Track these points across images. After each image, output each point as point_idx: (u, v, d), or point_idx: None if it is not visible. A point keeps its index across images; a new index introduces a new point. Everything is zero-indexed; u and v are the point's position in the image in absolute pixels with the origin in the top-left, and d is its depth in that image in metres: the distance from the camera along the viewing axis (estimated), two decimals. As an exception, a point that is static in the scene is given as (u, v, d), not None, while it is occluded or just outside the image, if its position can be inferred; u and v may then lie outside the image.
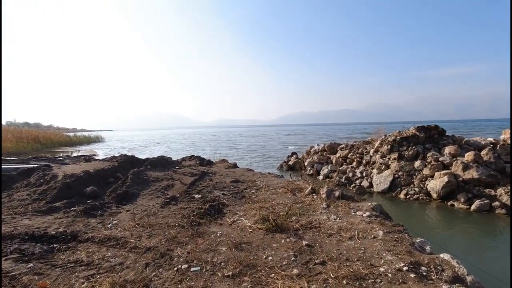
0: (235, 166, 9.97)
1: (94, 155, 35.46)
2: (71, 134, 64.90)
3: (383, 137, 14.35)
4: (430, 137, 13.15)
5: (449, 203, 10.37)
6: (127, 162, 8.06)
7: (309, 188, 5.16)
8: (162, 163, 8.30)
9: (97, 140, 69.21)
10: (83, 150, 43.51)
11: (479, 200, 9.83)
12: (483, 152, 11.25)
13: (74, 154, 36.60)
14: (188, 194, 5.92)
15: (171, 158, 9.29)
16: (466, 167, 10.78)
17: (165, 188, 6.30)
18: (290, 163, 19.52)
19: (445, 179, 10.61)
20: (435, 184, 10.83)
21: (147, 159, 8.83)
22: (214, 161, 11.24)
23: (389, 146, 13.22)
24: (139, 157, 9.01)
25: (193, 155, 10.72)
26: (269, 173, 8.19)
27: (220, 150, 34.41)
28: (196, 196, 5.83)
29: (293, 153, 21.25)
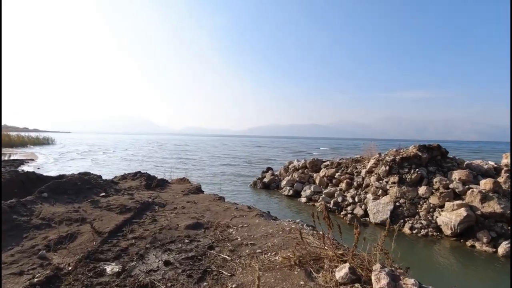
0: (198, 190, 7.02)
1: (32, 159, 30.00)
2: (13, 133, 56.75)
3: (378, 155, 12.27)
4: (433, 158, 11.27)
5: (468, 243, 8.28)
6: (13, 184, 4.81)
7: (346, 269, 2.46)
8: (77, 186, 5.13)
9: (45, 142, 61.35)
10: (23, 153, 37.30)
11: (506, 242, 7.87)
12: (501, 179, 9.46)
13: (12, 157, 30.85)
14: (93, 263, 2.93)
15: (99, 178, 6.13)
16: (485, 197, 8.85)
17: (53, 244, 3.24)
18: (265, 180, 16.83)
19: (463, 212, 8.57)
20: (450, 218, 8.74)
21: (60, 177, 5.59)
22: (170, 180, 8.18)
23: (387, 167, 11.09)
24: (43, 175, 5.70)
25: (139, 172, 7.55)
26: (248, 207, 5.38)
27: (182, 161, 30.82)
28: (109, 269, 2.85)
29: (269, 169, 18.64)
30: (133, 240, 3.63)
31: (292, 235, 3.77)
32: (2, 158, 29.12)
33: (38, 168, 23.27)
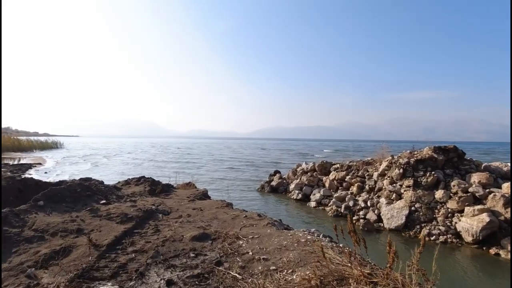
0: (204, 195, 6.68)
1: (40, 163, 30.10)
2: (23, 138, 57.39)
3: (390, 158, 11.79)
4: (449, 160, 10.75)
5: (492, 251, 7.77)
6: (10, 192, 4.54)
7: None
8: (77, 193, 4.82)
9: (54, 146, 61.89)
10: (32, 157, 37.57)
11: (534, 250, 7.37)
12: (525, 183, 8.90)
13: (21, 162, 31.04)
14: (87, 283, 2.60)
15: (101, 183, 5.82)
16: (508, 202, 8.33)
17: (44, 260, 2.92)
18: (273, 183, 16.44)
19: (485, 218, 8.05)
20: (471, 224, 8.23)
21: (59, 183, 5.30)
22: (175, 185, 7.86)
23: (401, 170, 10.60)
24: (42, 181, 5.40)
25: (143, 177, 7.24)
26: (259, 215, 5.01)
27: (186, 165, 30.52)
28: (104, 291, 2.52)
29: (276, 172, 18.24)
30: (133, 254, 3.29)
31: (309, 248, 3.39)
32: (12, 162, 29.30)
33: (46, 172, 23.28)
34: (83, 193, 4.94)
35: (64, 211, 4.25)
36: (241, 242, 3.69)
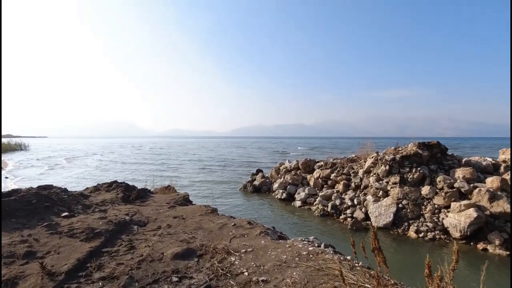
0: (185, 200, 6.03)
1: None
2: (-19, 140, 52.69)
3: (375, 155, 11.66)
4: (433, 156, 10.76)
5: (480, 247, 7.74)
6: None
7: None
8: (32, 205, 3.98)
9: (18, 148, 57.54)
10: (-10, 161, 34.49)
11: (521, 244, 7.41)
12: (507, 177, 9.01)
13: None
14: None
15: (64, 191, 4.99)
16: (493, 197, 8.36)
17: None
18: (256, 183, 15.93)
19: (472, 213, 8.02)
20: (458, 220, 8.17)
21: (9, 193, 4.42)
22: (153, 190, 7.12)
23: (387, 167, 10.46)
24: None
25: (115, 182, 6.40)
26: (249, 222, 4.46)
27: (162, 167, 29.23)
28: None
29: (258, 171, 17.76)
30: (100, 283, 2.64)
31: (313, 263, 2.90)
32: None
33: (6, 177, 21.32)
34: (40, 204, 4.13)
35: (14, 228, 3.47)
36: (233, 258, 3.13)
